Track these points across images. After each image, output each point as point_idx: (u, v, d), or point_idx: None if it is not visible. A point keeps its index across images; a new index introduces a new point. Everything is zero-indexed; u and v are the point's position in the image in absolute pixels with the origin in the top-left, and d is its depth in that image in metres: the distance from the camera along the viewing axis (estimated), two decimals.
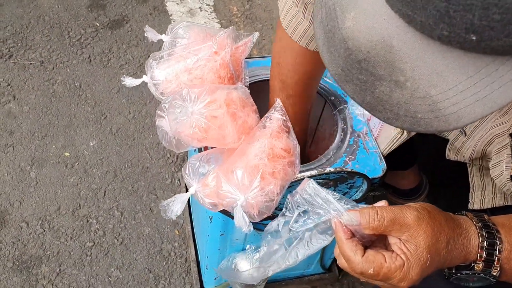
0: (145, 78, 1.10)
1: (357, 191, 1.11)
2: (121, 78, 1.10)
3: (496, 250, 0.68)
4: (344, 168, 0.98)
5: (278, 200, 0.89)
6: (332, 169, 0.98)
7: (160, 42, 1.13)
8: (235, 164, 0.89)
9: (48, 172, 1.73)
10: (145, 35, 1.08)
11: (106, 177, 1.74)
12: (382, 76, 0.51)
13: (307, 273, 1.49)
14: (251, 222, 0.88)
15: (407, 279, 0.65)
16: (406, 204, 0.70)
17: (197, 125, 0.88)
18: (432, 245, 0.65)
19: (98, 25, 2.21)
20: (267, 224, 1.14)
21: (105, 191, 1.70)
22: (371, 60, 0.51)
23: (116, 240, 1.60)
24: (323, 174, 0.97)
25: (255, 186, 0.84)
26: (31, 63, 2.04)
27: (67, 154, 1.79)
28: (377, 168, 1.09)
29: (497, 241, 0.68)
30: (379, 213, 0.67)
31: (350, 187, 1.09)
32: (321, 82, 1.23)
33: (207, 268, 1.35)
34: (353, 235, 0.69)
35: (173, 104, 0.90)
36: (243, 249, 1.23)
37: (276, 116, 0.95)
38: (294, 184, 0.99)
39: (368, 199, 1.12)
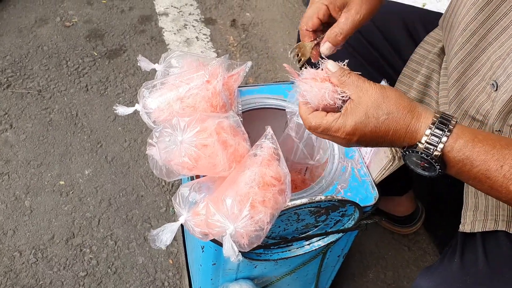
0: (137, 106, 1.10)
1: (349, 219, 1.11)
2: (114, 107, 1.11)
3: (442, 136, 0.75)
4: (335, 196, 0.98)
5: (268, 229, 0.88)
6: (323, 197, 0.97)
7: (155, 71, 1.14)
8: (225, 192, 0.89)
9: (42, 200, 1.73)
10: (138, 64, 1.09)
11: (101, 206, 1.73)
12: None
13: None
14: (240, 251, 0.87)
15: (341, 129, 0.78)
16: None
17: (187, 154, 0.89)
18: (371, 107, 0.77)
19: (96, 54, 2.24)
20: (260, 253, 1.13)
21: (99, 220, 1.69)
22: None
23: (109, 270, 1.58)
24: (314, 202, 0.97)
25: (244, 215, 0.84)
26: (28, 92, 2.06)
27: (62, 182, 1.78)
28: (369, 196, 1.09)
29: (446, 130, 0.75)
30: (350, 73, 0.81)
31: (342, 215, 1.08)
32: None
33: None
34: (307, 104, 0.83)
35: (163, 133, 0.90)
36: (236, 279, 1.22)
37: (267, 144, 0.95)
38: (286, 213, 0.99)
39: (361, 227, 1.11)
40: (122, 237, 1.65)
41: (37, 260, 1.58)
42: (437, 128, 0.76)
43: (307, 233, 1.12)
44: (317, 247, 1.15)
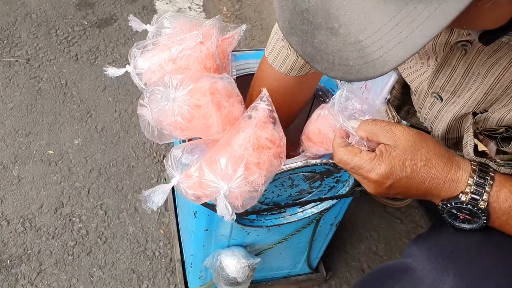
0: (128, 68, 1.07)
1: (343, 186, 1.09)
2: (104, 68, 1.08)
3: (485, 185, 0.72)
4: (330, 160, 0.96)
5: (262, 191, 0.86)
6: (318, 161, 0.95)
7: (146, 34, 1.10)
8: (219, 153, 0.87)
9: (31, 169, 1.70)
10: (129, 24, 1.05)
11: (90, 176, 1.70)
12: (320, 25, 0.57)
13: (293, 273, 1.47)
14: (235, 212, 0.86)
15: (374, 170, 0.74)
16: None
17: (180, 113, 0.86)
18: (409, 151, 0.74)
19: (86, 23, 2.19)
20: (253, 220, 1.11)
21: (89, 190, 1.67)
22: (311, 10, 0.57)
23: (99, 239, 1.56)
24: (309, 166, 0.95)
25: (238, 175, 0.82)
26: (16, 61, 2.01)
27: (51, 152, 1.75)
28: None
29: (488, 178, 0.72)
30: (375, 120, 0.79)
31: (336, 181, 1.07)
32: None
33: (191, 267, 1.32)
34: (347, 137, 0.83)
35: (154, 91, 0.87)
36: (228, 246, 1.21)
37: (262, 106, 0.93)
38: (280, 177, 0.97)
39: (355, 193, 1.10)
40: (113, 207, 1.63)
41: (25, 229, 1.56)
42: (479, 177, 0.73)
43: (301, 200, 1.10)
44: (310, 214, 1.14)
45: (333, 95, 1.19)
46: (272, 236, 1.21)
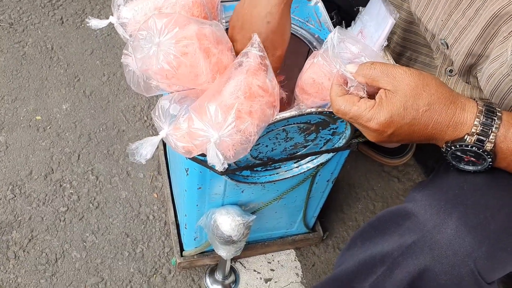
0: (111, 18, 1.02)
1: (340, 138, 1.05)
2: (86, 20, 1.02)
3: (492, 126, 0.68)
4: (326, 109, 0.92)
5: (254, 141, 0.82)
6: (313, 109, 0.91)
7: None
8: (208, 101, 0.82)
9: (18, 136, 1.65)
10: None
11: (80, 141, 1.66)
12: None
13: (290, 233, 1.44)
14: (226, 162, 0.82)
15: (374, 119, 0.71)
16: None
17: (166, 59, 0.81)
18: (410, 97, 0.70)
19: None
20: (246, 176, 1.08)
21: (79, 155, 1.62)
22: None
23: (91, 205, 1.53)
24: (303, 115, 0.91)
25: (229, 123, 0.78)
26: None
27: (38, 117, 1.70)
28: None
29: (495, 118, 0.69)
30: (373, 63, 0.74)
31: (332, 133, 1.03)
32: (303, 27, 1.16)
33: (186, 228, 1.29)
34: (346, 84, 0.78)
35: (138, 36, 0.82)
36: (222, 205, 1.17)
37: (254, 52, 0.88)
38: (273, 129, 0.93)
39: (352, 146, 1.06)
40: (104, 172, 1.59)
41: (15, 196, 1.52)
42: (486, 117, 0.69)
43: (296, 154, 1.07)
44: (306, 170, 1.10)
45: None
46: (267, 193, 1.18)
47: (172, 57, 0.81)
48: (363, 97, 0.77)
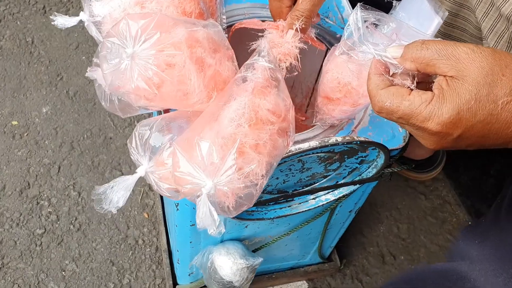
0: (82, 15, 0.81)
1: (369, 167, 0.84)
2: (51, 17, 0.82)
3: None
4: (355, 137, 0.70)
5: (263, 184, 0.61)
6: (339, 139, 0.70)
7: None
8: (200, 133, 0.61)
9: None
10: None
11: (61, 150, 1.45)
12: None
13: (302, 264, 1.24)
14: (224, 216, 0.61)
15: (434, 117, 0.51)
16: None
17: (142, 76, 0.59)
18: (483, 84, 0.50)
19: None
20: (251, 212, 0.87)
21: (59, 167, 1.42)
22: None
23: (72, 226, 1.33)
24: (326, 146, 0.69)
25: (229, 166, 0.56)
26: None
27: (14, 122, 1.50)
28: (397, 135, 0.82)
29: None
30: (425, 42, 0.54)
31: (360, 161, 0.82)
32: (322, 25, 0.94)
33: (178, 263, 1.09)
34: (388, 73, 0.58)
35: (105, 44, 0.60)
36: (222, 241, 0.97)
37: (262, 63, 0.66)
38: (287, 160, 0.72)
39: (384, 176, 0.85)
40: (87, 187, 1.39)
41: None
42: None
43: (313, 185, 0.85)
44: (325, 202, 0.89)
45: None
46: (276, 228, 0.97)
47: (151, 73, 0.59)
48: (414, 89, 0.56)
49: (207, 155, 0.57)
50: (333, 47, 0.74)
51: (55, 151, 1.45)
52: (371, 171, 0.84)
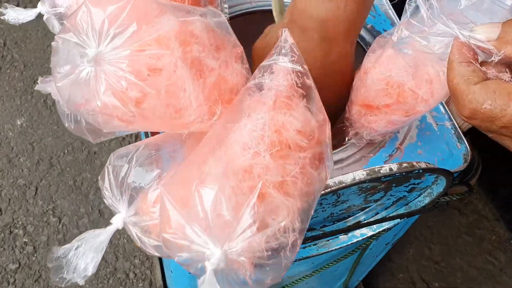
0: (40, 7, 0.63)
1: (420, 195, 0.65)
2: (1, 10, 0.64)
3: None
4: (416, 164, 0.51)
5: (298, 243, 0.42)
6: (394, 167, 0.51)
7: None
8: (201, 169, 0.42)
9: None
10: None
11: (39, 169, 1.27)
12: None
13: None
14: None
15: None
16: None
17: (112, 87, 0.40)
18: None
19: None
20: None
21: (36, 188, 1.23)
22: None
23: None
24: (378, 179, 0.50)
25: (247, 224, 0.37)
26: None
27: None
28: (455, 153, 0.64)
29: None
30: None
31: (411, 189, 0.63)
32: None
33: None
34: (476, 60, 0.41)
35: (58, 45, 0.41)
36: None
37: (283, 65, 0.47)
38: (326, 198, 0.53)
39: (439, 206, 0.66)
40: (69, 211, 1.20)
41: None
42: None
43: (347, 220, 0.66)
44: (360, 238, 0.70)
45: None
46: (296, 267, 0.78)
47: (124, 83, 0.40)
48: None
49: (212, 207, 0.38)
50: (377, 38, 0.56)
51: (32, 170, 1.27)
52: (423, 200, 0.65)
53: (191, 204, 0.39)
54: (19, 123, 1.36)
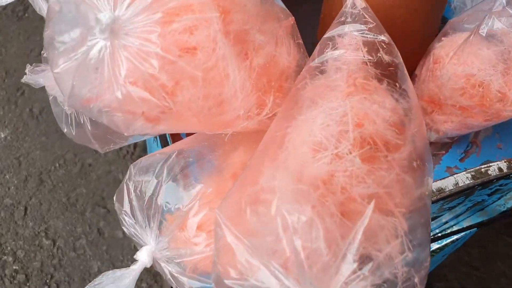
0: None
1: (501, 197, 0.54)
2: None
3: None
4: None
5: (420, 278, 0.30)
6: (503, 165, 0.39)
7: None
8: (259, 177, 0.30)
9: None
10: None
11: (27, 186, 1.16)
12: None
13: None
14: None
15: None
16: None
17: (137, 71, 0.27)
18: None
19: None
20: None
21: (26, 208, 1.13)
22: None
23: (47, 287, 1.01)
24: (491, 182, 0.38)
25: (351, 267, 0.25)
26: None
27: None
28: None
29: None
30: None
31: (494, 192, 0.51)
32: None
33: None
34: None
35: (54, 9, 0.28)
36: None
37: (354, 35, 0.35)
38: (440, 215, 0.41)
39: None
40: (64, 232, 1.09)
41: None
42: None
43: None
44: None
45: (443, 16, 0.64)
46: None
47: (155, 64, 0.28)
48: None
49: (303, 237, 0.25)
50: (450, 21, 0.45)
51: (19, 188, 1.15)
52: (504, 205, 0.54)
53: (264, 233, 0.26)
54: (3, 136, 1.23)
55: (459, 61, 0.44)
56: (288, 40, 0.39)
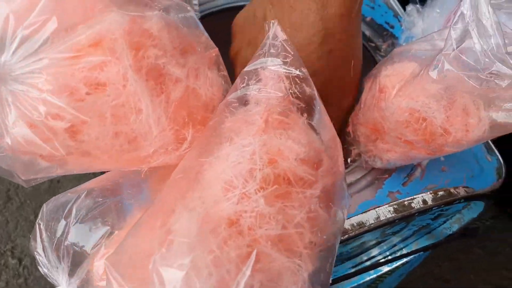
0: None
1: (446, 221, 0.54)
2: None
3: None
4: (454, 191, 0.39)
5: None
6: (429, 198, 0.38)
7: None
8: (167, 221, 0.29)
9: None
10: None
11: None
12: None
13: None
14: None
15: None
16: None
17: (26, 117, 0.27)
18: None
19: None
20: None
21: None
22: None
23: None
24: (412, 216, 0.38)
25: None
26: None
27: None
28: (486, 169, 0.53)
29: None
30: None
31: (436, 216, 0.51)
32: None
33: None
34: None
35: None
36: None
37: (274, 69, 0.35)
38: (350, 245, 0.41)
39: (469, 234, 0.55)
40: (31, 251, 1.04)
41: None
42: None
43: (359, 257, 0.54)
44: (374, 276, 0.58)
45: (392, 33, 0.65)
46: None
47: (42, 109, 0.27)
48: None
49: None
50: (395, 50, 0.44)
51: None
52: (450, 228, 0.53)
53: (150, 271, 0.26)
54: None
55: (404, 93, 0.43)
56: (211, 72, 0.39)
